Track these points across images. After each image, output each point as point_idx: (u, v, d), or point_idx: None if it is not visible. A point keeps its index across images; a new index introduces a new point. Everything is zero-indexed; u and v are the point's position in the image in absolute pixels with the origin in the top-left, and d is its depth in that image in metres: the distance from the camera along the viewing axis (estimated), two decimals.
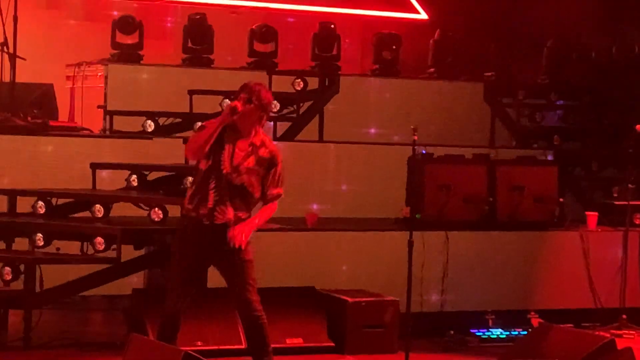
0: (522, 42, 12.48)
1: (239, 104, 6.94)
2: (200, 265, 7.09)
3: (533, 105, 12.19)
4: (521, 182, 10.03)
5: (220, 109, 9.95)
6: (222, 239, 6.98)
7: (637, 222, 10.57)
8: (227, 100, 10.00)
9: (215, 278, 7.32)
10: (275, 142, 10.24)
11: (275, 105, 10.78)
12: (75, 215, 9.37)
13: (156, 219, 8.89)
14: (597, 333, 8.32)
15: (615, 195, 11.10)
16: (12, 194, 9.31)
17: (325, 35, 11.72)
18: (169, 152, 9.69)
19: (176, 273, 7.04)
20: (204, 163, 7.00)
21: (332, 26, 11.80)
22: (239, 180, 6.98)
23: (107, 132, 10.60)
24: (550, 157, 11.19)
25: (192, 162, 7.09)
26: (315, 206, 9.97)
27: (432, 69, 12.18)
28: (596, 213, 10.45)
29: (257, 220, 7.07)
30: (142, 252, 8.99)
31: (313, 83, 11.21)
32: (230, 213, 6.96)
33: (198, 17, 11.42)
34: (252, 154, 7.03)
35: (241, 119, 7.00)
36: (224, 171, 6.96)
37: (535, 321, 9.34)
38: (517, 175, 10.09)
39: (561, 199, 10.32)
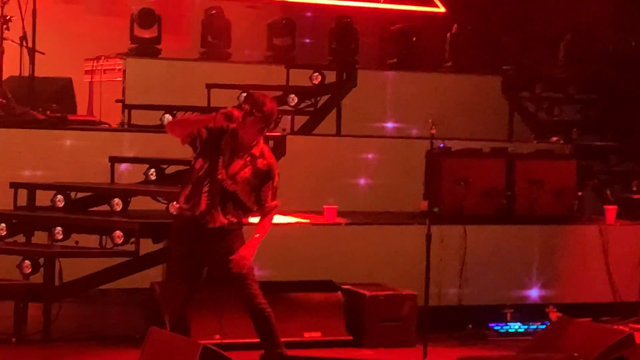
0: (540, 36, 12.44)
1: (236, 112, 6.95)
2: (194, 262, 7.09)
3: (551, 98, 12.15)
4: (539, 176, 10.01)
5: (238, 103, 9.96)
6: (214, 240, 6.99)
7: None
8: (244, 94, 10.00)
9: None
10: (293, 136, 10.36)
11: (293, 99, 10.78)
12: (94, 208, 9.41)
13: (174, 213, 8.89)
14: (615, 327, 8.31)
15: (634, 189, 11.06)
16: (32, 188, 9.35)
17: (343, 28, 11.70)
18: (187, 146, 9.69)
19: (173, 271, 7.09)
20: (199, 162, 7.03)
21: (349, 20, 11.78)
22: (233, 187, 7.01)
23: (126, 126, 10.62)
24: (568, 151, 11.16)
25: (176, 137, 7.11)
26: (333, 200, 9.96)
27: (449, 63, 12.15)
28: (615, 207, 10.42)
29: (259, 235, 7.10)
30: (160, 245, 9.01)
31: (331, 77, 11.20)
32: (221, 218, 6.98)
33: (215, 11, 11.42)
34: (249, 164, 7.06)
35: (242, 129, 7.01)
36: (219, 177, 6.98)
37: (554, 315, 9.32)
38: (536, 169, 10.07)
39: (580, 193, 10.29)
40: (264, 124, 7.07)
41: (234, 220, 7.04)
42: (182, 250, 7.04)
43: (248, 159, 7.06)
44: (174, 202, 8.88)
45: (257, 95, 7.11)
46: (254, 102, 7.04)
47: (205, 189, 6.99)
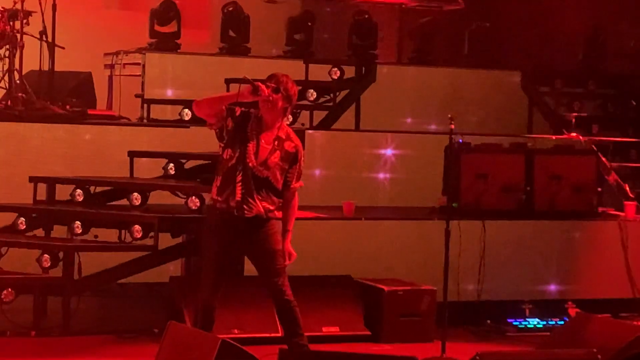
0: (560, 31, 12.40)
1: (263, 86, 6.96)
2: (230, 255, 7.13)
3: (571, 93, 12.12)
4: (559, 171, 9.98)
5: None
6: (252, 230, 7.02)
7: None
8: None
9: (251, 266, 7.35)
10: (311, 131, 10.36)
11: (312, 94, 10.79)
12: (113, 203, 9.44)
13: (193, 207, 8.92)
14: (635, 323, 8.27)
15: None
16: (51, 182, 9.38)
17: (362, 24, 11.70)
18: (206, 140, 9.67)
19: (208, 264, 7.10)
20: (227, 153, 7.03)
21: (368, 15, 11.77)
22: (265, 174, 7.02)
23: (145, 121, 10.65)
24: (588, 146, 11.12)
25: (207, 121, 7.10)
26: (351, 195, 9.96)
27: (469, 58, 12.12)
28: (634, 202, 10.38)
29: (290, 226, 7.18)
30: (179, 240, 9.03)
31: (349, 72, 11.19)
32: (259, 206, 7.00)
33: (235, 6, 11.43)
34: (277, 148, 7.06)
35: (266, 109, 7.01)
36: (250, 164, 6.99)
37: (573, 311, 9.27)
38: (555, 164, 10.04)
39: (599, 188, 10.25)
40: (287, 102, 7.08)
41: (271, 207, 7.06)
42: (217, 243, 7.04)
43: (276, 143, 7.07)
44: (192, 197, 8.94)
45: (280, 75, 7.12)
46: (278, 80, 7.06)
47: (239, 178, 6.99)
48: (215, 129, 7.09)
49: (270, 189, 7.06)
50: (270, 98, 6.99)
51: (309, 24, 11.70)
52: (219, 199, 7.06)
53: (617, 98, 12.20)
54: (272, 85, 7.03)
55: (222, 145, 7.09)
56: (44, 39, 10.32)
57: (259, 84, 6.97)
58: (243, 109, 7.11)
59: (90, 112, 10.44)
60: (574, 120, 11.82)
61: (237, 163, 7.00)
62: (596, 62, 12.24)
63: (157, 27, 11.07)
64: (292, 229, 7.19)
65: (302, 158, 7.18)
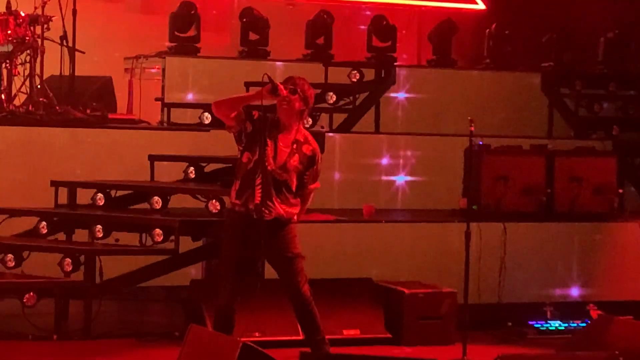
0: (579, 32, 12.35)
1: (282, 86, 6.99)
2: (249, 258, 7.15)
3: (591, 95, 12.06)
4: (580, 173, 9.96)
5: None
6: (271, 234, 7.04)
7: None
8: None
9: (271, 269, 7.36)
10: (331, 134, 10.36)
11: (332, 97, 10.79)
12: (134, 206, 9.46)
13: (214, 211, 8.94)
14: None
15: None
16: (72, 186, 9.42)
17: (381, 26, 11.69)
18: (226, 143, 9.67)
19: (226, 268, 7.13)
20: (246, 156, 7.06)
21: (387, 18, 11.76)
22: (284, 177, 7.06)
23: (165, 125, 10.67)
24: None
25: (225, 123, 7.13)
26: (372, 198, 9.95)
27: (488, 60, 12.10)
28: None
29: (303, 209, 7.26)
30: (200, 243, 9.05)
31: (369, 74, 11.19)
32: (278, 208, 7.03)
33: (254, 9, 11.44)
34: (296, 151, 7.09)
35: (283, 108, 7.03)
36: (269, 167, 7.01)
37: (595, 313, 9.25)
38: (576, 166, 10.02)
39: (620, 190, 10.21)
40: (304, 104, 7.11)
41: (290, 210, 7.09)
42: (236, 246, 7.07)
43: (294, 146, 7.10)
44: (212, 200, 8.95)
45: (296, 78, 7.17)
46: (295, 82, 7.11)
47: (258, 181, 7.03)
48: (234, 131, 7.11)
49: (288, 192, 7.09)
50: (288, 98, 7.02)
51: (328, 26, 11.69)
52: (238, 202, 7.09)
53: (637, 99, 12.14)
54: (290, 87, 7.06)
55: (241, 148, 7.12)
56: (65, 43, 10.36)
57: (278, 83, 7.02)
58: (261, 112, 7.14)
59: (110, 116, 10.48)
60: (594, 121, 11.78)
61: (256, 166, 7.03)
62: (617, 64, 12.18)
63: (176, 31, 11.08)
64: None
65: (320, 161, 7.21)
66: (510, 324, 9.20)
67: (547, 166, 9.94)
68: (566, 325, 9.30)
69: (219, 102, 7.11)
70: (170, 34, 11.11)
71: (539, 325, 9.29)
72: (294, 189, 7.13)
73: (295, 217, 7.20)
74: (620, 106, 12.12)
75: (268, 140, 7.07)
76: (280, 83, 7.07)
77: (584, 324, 9.12)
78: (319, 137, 9.59)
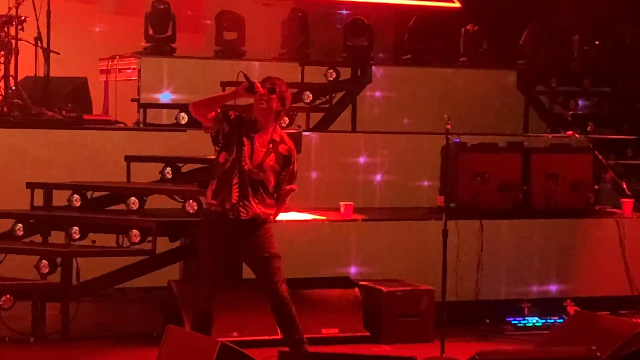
0: (555, 29, 12.40)
1: (259, 84, 7.00)
2: (227, 259, 7.15)
3: (567, 92, 12.12)
4: (556, 169, 9.99)
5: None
6: (248, 233, 7.04)
7: None
8: None
9: (249, 269, 7.36)
10: (308, 133, 10.36)
11: (308, 96, 10.79)
12: (111, 208, 9.43)
13: (191, 211, 8.92)
14: (634, 320, 8.27)
15: None
16: (48, 188, 9.38)
17: (357, 25, 11.69)
18: (203, 144, 9.66)
19: (204, 268, 7.12)
20: (222, 156, 7.06)
21: (364, 17, 11.77)
22: (261, 176, 7.06)
23: (141, 125, 10.64)
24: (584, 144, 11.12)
25: (203, 124, 7.13)
26: (349, 196, 9.95)
27: (464, 58, 12.13)
28: (632, 200, 10.39)
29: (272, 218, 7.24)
30: (177, 243, 9.03)
31: (345, 73, 11.19)
32: (255, 208, 7.04)
33: (230, 9, 11.42)
34: (272, 151, 7.10)
35: (260, 107, 7.04)
36: (245, 167, 7.02)
37: (572, 309, 9.30)
38: (552, 163, 10.05)
39: (596, 186, 10.26)
40: (282, 106, 7.11)
41: (266, 210, 7.09)
42: (212, 246, 7.07)
43: (270, 145, 7.11)
44: (189, 201, 8.93)
45: (274, 78, 7.20)
46: (273, 82, 7.13)
47: (235, 180, 7.03)
48: (212, 132, 7.11)
49: (265, 191, 7.10)
50: (267, 97, 7.02)
51: (304, 26, 11.68)
52: (214, 202, 7.09)
53: (612, 96, 12.20)
54: (269, 86, 7.07)
55: (218, 148, 7.12)
56: (39, 44, 10.31)
57: (255, 82, 7.03)
58: (237, 113, 7.15)
59: (86, 117, 10.44)
60: (569, 118, 11.83)
61: (233, 166, 7.04)
62: (591, 61, 12.24)
63: (151, 32, 11.05)
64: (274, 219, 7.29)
65: (296, 161, 7.22)
66: (488, 320, 9.24)
67: (523, 163, 9.96)
68: (543, 321, 9.34)
69: (196, 103, 7.11)
70: (146, 34, 11.08)
71: (517, 322, 9.33)
72: (270, 189, 7.14)
73: (272, 218, 7.21)
74: (596, 103, 12.18)
75: (245, 140, 7.07)
76: (258, 82, 7.07)
77: (561, 320, 9.16)
78: (296, 137, 9.61)
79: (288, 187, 7.23)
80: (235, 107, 7.16)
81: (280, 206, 7.27)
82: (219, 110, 7.08)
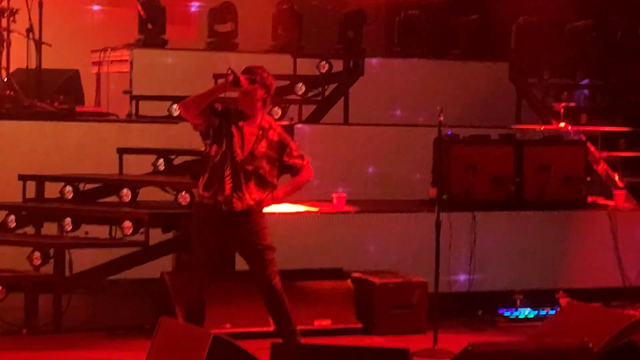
0: (547, 21, 12.40)
1: (242, 77, 6.99)
2: (220, 251, 7.16)
3: (559, 84, 12.13)
4: (548, 161, 10.00)
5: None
6: (241, 225, 7.04)
7: None
8: None
9: (242, 261, 7.36)
10: (300, 125, 10.36)
11: (301, 88, 10.79)
12: (103, 200, 9.42)
13: (183, 203, 8.92)
14: (625, 312, 8.29)
15: None
16: (40, 180, 9.37)
17: (350, 17, 11.69)
18: (195, 136, 9.62)
19: (197, 260, 7.12)
20: (213, 149, 7.05)
21: (356, 8, 11.76)
22: (253, 165, 7.05)
23: (134, 117, 10.63)
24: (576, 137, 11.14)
25: (192, 123, 7.12)
26: (341, 188, 9.96)
27: (457, 50, 12.13)
28: (624, 192, 10.41)
29: (281, 193, 7.20)
30: (170, 235, 9.03)
31: (338, 65, 11.19)
32: (248, 199, 7.03)
33: (222, 1, 11.40)
34: (263, 137, 7.11)
35: (245, 99, 7.06)
36: (237, 158, 7.02)
37: (564, 300, 9.31)
38: (544, 155, 10.06)
39: (588, 178, 10.27)
40: (266, 93, 7.11)
41: (260, 199, 7.07)
42: (205, 238, 7.08)
43: (260, 132, 7.11)
44: (182, 192, 8.93)
45: (254, 67, 7.19)
46: (253, 72, 7.12)
47: (227, 172, 7.03)
48: (202, 129, 7.10)
49: (259, 181, 7.09)
50: (249, 89, 7.02)
51: (296, 18, 11.67)
52: (206, 194, 7.09)
53: (605, 88, 12.21)
54: (249, 76, 7.06)
55: (208, 142, 7.11)
56: (31, 36, 10.29)
57: (240, 75, 7.03)
58: (223, 105, 7.15)
59: (78, 109, 10.42)
60: (562, 110, 11.84)
61: (224, 158, 7.04)
62: (584, 53, 12.25)
63: (144, 24, 11.03)
64: (281, 197, 7.23)
65: (291, 141, 7.20)
66: (480, 312, 9.25)
67: (515, 155, 9.97)
68: (536, 312, 9.36)
69: (186, 103, 7.09)
70: (140, 27, 11.05)
71: (509, 314, 9.34)
72: (269, 179, 7.13)
73: (269, 202, 7.15)
74: (588, 95, 12.18)
75: (234, 130, 7.08)
76: (240, 74, 7.07)
77: (553, 312, 9.18)
78: (289, 129, 9.62)
79: (301, 162, 7.20)
80: (222, 99, 7.16)
81: (295, 188, 7.25)
82: (206, 106, 7.07)
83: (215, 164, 7.07)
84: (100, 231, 8.97)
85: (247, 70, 7.15)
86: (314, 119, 10.86)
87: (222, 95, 7.08)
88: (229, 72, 7.02)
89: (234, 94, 7.25)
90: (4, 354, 7.92)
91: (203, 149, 7.23)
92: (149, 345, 6.53)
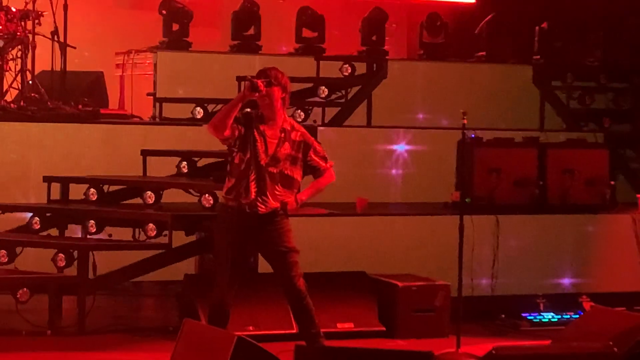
0: (571, 24, 12.37)
1: (260, 82, 7.00)
2: (244, 253, 7.16)
3: (583, 87, 12.09)
4: (572, 165, 9.97)
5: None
6: (264, 227, 7.05)
7: None
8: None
9: (266, 263, 7.37)
10: (323, 128, 10.37)
11: (324, 91, 10.80)
12: (127, 201, 9.45)
13: (207, 205, 8.94)
14: None
15: None
16: (65, 182, 9.41)
17: (373, 20, 11.69)
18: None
19: (221, 262, 7.13)
20: (238, 157, 7.06)
21: (380, 11, 11.76)
22: (277, 167, 7.06)
23: (157, 119, 10.67)
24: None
25: (221, 139, 7.14)
26: (364, 191, 9.96)
27: (481, 52, 12.11)
28: None
29: (305, 196, 7.22)
30: (193, 238, 9.05)
31: (361, 68, 11.19)
32: (271, 203, 7.05)
33: (246, 4, 11.43)
34: (285, 140, 7.11)
35: (265, 103, 7.05)
36: (262, 162, 7.03)
37: (587, 305, 9.28)
38: (568, 158, 10.03)
39: (612, 182, 10.24)
40: (284, 92, 7.12)
41: (285, 200, 7.12)
42: (229, 241, 7.08)
43: (282, 135, 7.12)
44: (205, 195, 8.94)
45: (268, 69, 7.18)
46: (267, 74, 7.11)
47: (252, 177, 7.05)
48: (231, 141, 7.10)
49: (285, 183, 7.11)
50: (264, 92, 7.03)
51: (319, 20, 11.68)
52: (230, 197, 7.10)
53: (629, 91, 12.16)
54: (264, 80, 7.07)
55: (235, 150, 7.12)
56: (56, 39, 10.35)
57: (257, 80, 7.03)
58: (243, 111, 7.16)
59: (102, 111, 10.48)
60: (586, 113, 11.80)
61: (248, 166, 7.06)
62: (608, 56, 12.20)
63: (168, 26, 11.07)
64: (304, 200, 7.23)
65: (314, 141, 7.21)
66: (503, 316, 9.22)
67: (539, 158, 9.95)
68: (559, 317, 9.32)
69: (215, 124, 7.07)
70: (164, 29, 11.09)
71: (532, 317, 9.31)
72: (296, 177, 7.14)
73: (292, 205, 7.16)
74: (612, 98, 12.14)
75: (257, 135, 7.08)
76: (254, 78, 7.07)
77: (576, 316, 9.14)
78: (312, 131, 9.62)
79: (325, 165, 7.21)
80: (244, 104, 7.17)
81: (318, 189, 7.25)
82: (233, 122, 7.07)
83: (241, 172, 7.10)
84: (124, 233, 9.00)
85: (261, 74, 7.16)
86: (336, 121, 10.87)
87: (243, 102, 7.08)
88: (247, 79, 7.03)
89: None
90: (29, 354, 7.97)
91: (227, 152, 7.25)
92: (173, 347, 6.56)
